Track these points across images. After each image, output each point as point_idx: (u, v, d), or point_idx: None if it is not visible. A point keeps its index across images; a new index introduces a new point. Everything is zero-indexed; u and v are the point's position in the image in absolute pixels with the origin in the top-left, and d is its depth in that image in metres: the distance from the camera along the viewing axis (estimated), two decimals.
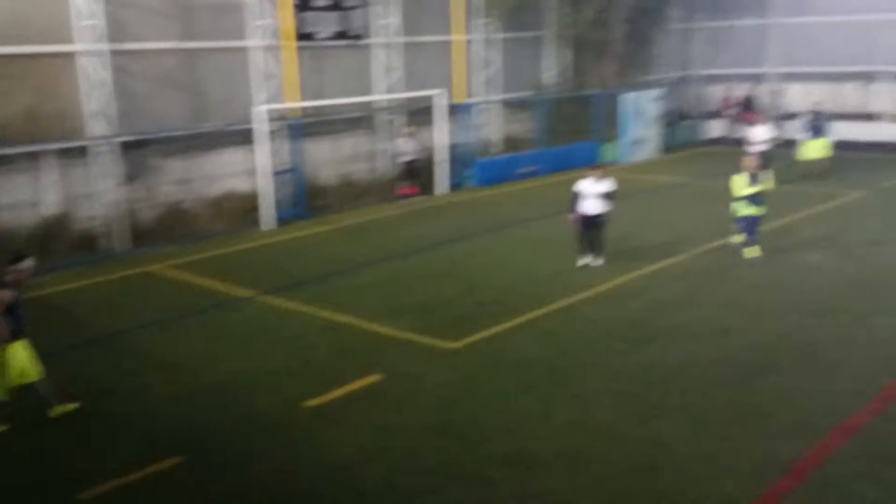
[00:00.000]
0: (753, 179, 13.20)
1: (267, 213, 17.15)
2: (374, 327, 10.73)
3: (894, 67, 25.64)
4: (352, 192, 19.78)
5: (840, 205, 17.18)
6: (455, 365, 9.44)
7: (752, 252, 13.17)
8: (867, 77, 26.23)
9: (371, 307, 11.55)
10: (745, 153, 18.83)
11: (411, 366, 9.42)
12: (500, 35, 23.46)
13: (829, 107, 22.04)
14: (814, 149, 20.13)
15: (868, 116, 25.32)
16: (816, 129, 20.18)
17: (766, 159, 18.48)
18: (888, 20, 25.39)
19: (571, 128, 23.90)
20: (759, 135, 19.14)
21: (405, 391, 8.74)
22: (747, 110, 27.07)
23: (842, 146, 21.13)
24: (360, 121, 20.50)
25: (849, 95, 25.94)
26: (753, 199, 13.13)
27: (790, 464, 6.90)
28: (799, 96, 27.24)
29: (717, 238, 14.53)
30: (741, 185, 13.28)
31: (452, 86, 22.10)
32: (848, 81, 26.43)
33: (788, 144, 20.78)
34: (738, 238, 13.50)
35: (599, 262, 13.02)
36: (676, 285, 12.10)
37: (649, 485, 6.70)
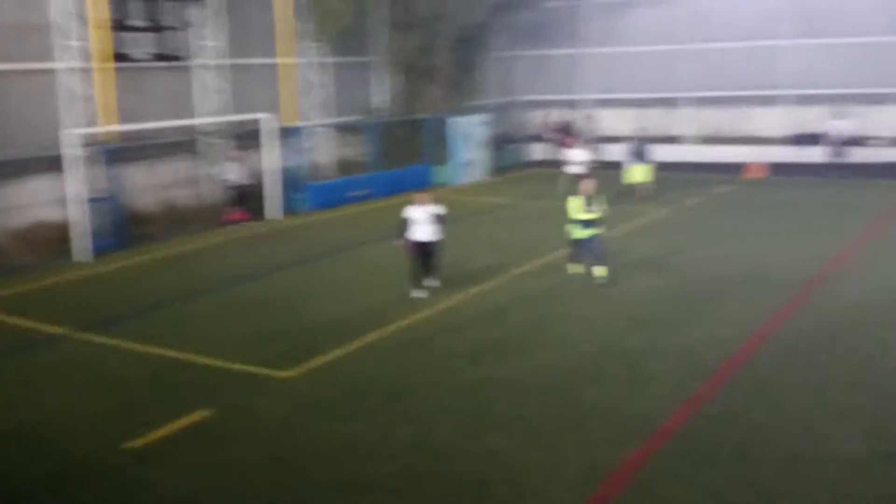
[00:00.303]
0: (589, 202, 13.26)
1: (81, 244, 16.04)
2: (202, 360, 10.27)
3: (693, 93, 28.05)
4: (176, 220, 18.94)
5: (648, 222, 18.45)
6: (290, 395, 9.20)
7: (600, 272, 13.21)
8: (669, 103, 28.52)
9: (198, 340, 11.05)
10: (564, 174, 20.03)
11: (243, 398, 9.09)
12: (330, 59, 23.43)
13: (636, 131, 23.67)
14: (638, 173, 21.10)
15: (671, 139, 27.47)
16: (639, 154, 21.23)
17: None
18: (686, 50, 27.78)
19: (404, 151, 24.25)
20: (577, 157, 20.20)
21: (237, 425, 8.41)
22: (566, 134, 28.66)
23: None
24: (184, 145, 19.72)
25: (654, 120, 28.04)
26: (588, 221, 13.21)
27: (613, 470, 7.26)
28: (611, 121, 29.21)
29: (544, 256, 15.18)
30: (577, 207, 13.31)
31: (282, 109, 21.78)
32: (653, 107, 28.61)
33: (609, 166, 22.14)
34: (577, 267, 13.64)
35: (435, 283, 12.87)
36: (508, 303, 12.49)
37: (481, 499, 6.83)
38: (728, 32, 26.94)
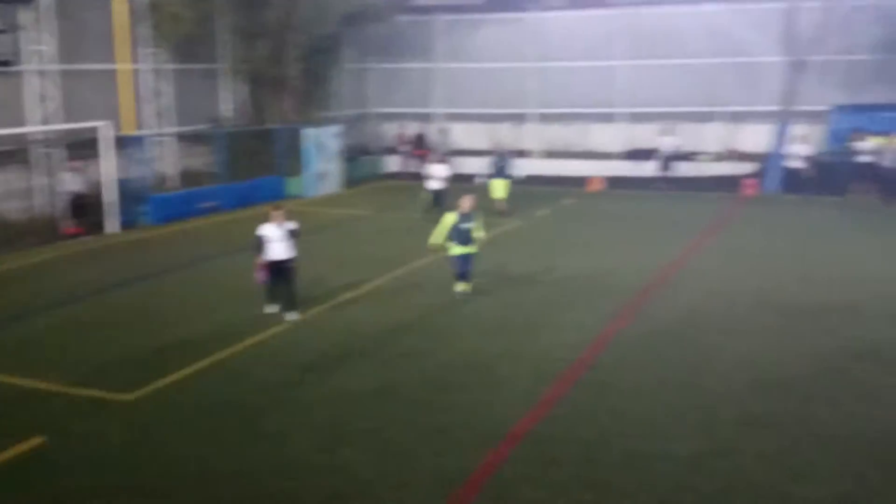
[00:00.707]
0: (465, 218, 13.01)
1: None
2: (35, 384, 9.55)
3: (538, 110, 29.21)
4: (5, 234, 17.55)
5: (499, 234, 18.99)
6: (133, 417, 8.73)
7: (463, 286, 13.21)
8: (518, 118, 29.56)
9: (30, 362, 10.28)
10: (425, 189, 20.15)
11: (82, 424, 8.53)
12: (171, 66, 22.54)
13: (486, 145, 24.27)
14: (498, 188, 21.37)
15: (521, 153, 28.45)
16: (500, 169, 21.47)
17: (443, 196, 19.83)
18: (532, 68, 28.91)
19: (254, 162, 23.67)
20: (437, 172, 20.20)
21: (75, 453, 7.88)
22: (419, 147, 29.07)
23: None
24: (13, 154, 18.31)
25: (503, 134, 28.96)
26: (464, 238, 13.00)
27: (467, 476, 7.39)
28: (463, 135, 29.91)
29: (400, 269, 15.27)
30: (451, 222, 13.06)
31: (120, 117, 20.71)
32: (502, 122, 29.55)
33: (461, 179, 22.55)
34: (462, 286, 13.36)
35: (295, 317, 12.09)
36: (365, 314, 12.46)
37: None
38: (570, 52, 28.28)
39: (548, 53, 28.65)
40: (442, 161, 21.01)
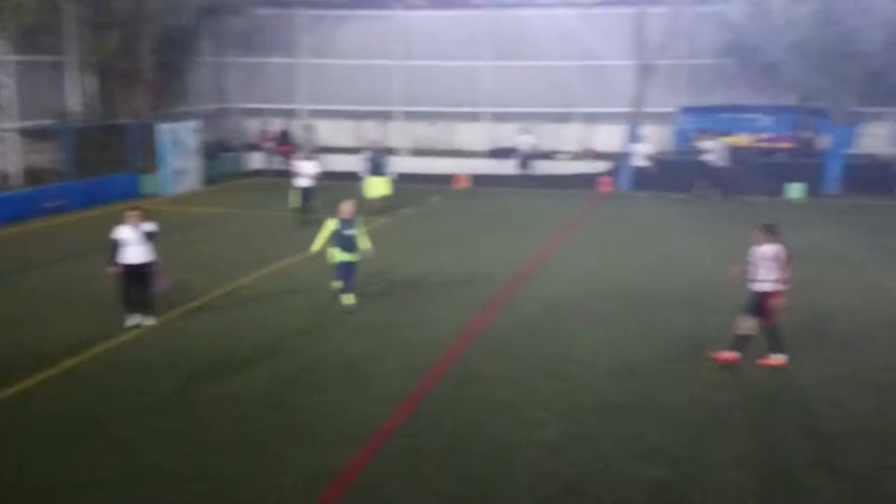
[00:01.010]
0: (347, 224, 12.36)
1: None
2: None
3: (405, 108, 29.36)
4: None
5: (368, 232, 18.91)
6: None
7: (348, 299, 12.40)
8: (384, 116, 29.58)
9: None
10: (294, 187, 19.68)
11: None
12: (14, 57, 21.02)
13: (353, 142, 24.12)
14: (375, 186, 21.06)
15: (389, 150, 28.44)
16: (376, 167, 21.22)
17: (311, 194, 19.45)
18: (398, 66, 29.00)
19: (105, 159, 22.44)
20: (306, 169, 19.64)
21: None
22: (284, 144, 28.52)
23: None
24: None
25: (370, 132, 28.91)
26: (346, 244, 12.34)
27: (335, 475, 7.34)
28: (329, 132, 29.62)
29: (264, 268, 14.93)
30: (331, 229, 12.38)
31: None
32: (369, 119, 29.49)
33: (342, 178, 22.25)
34: (336, 284, 12.81)
35: (151, 321, 11.56)
36: (228, 316, 12.09)
37: None
38: (435, 51, 28.58)
39: (414, 52, 28.84)
40: (309, 158, 20.52)
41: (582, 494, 7.10)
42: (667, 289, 13.80)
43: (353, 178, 22.29)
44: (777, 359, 10.06)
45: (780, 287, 9.89)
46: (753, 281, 9.99)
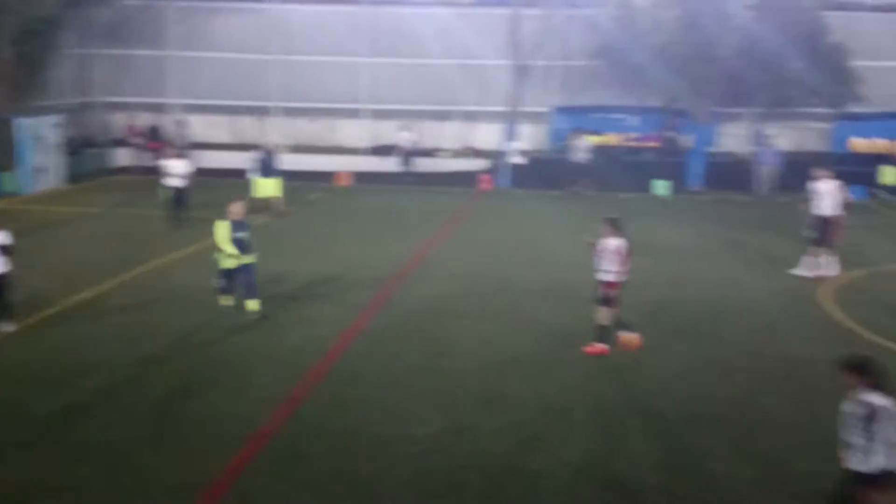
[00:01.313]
0: (239, 226, 11.60)
1: None
2: None
3: (283, 103, 28.83)
4: None
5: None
6: None
7: (253, 305, 11.70)
8: (261, 111, 28.94)
9: None
10: (164, 187, 18.87)
11: None
12: None
13: (229, 139, 23.38)
14: (265, 187, 20.41)
15: (256, 146, 27.86)
16: (267, 167, 20.55)
17: (184, 194, 18.68)
18: (275, 60, 28.43)
19: None
20: (176, 168, 18.77)
21: None
22: (153, 140, 27.38)
23: (236, 174, 22.47)
24: None
25: (247, 128, 28.22)
26: (239, 247, 11.51)
27: (212, 481, 7.14)
28: (203, 128, 28.68)
29: (135, 268, 14.31)
30: (225, 232, 11.51)
31: None
32: (245, 115, 28.76)
33: (205, 174, 21.52)
34: (228, 299, 11.83)
35: (10, 328, 10.84)
36: (95, 321, 11.52)
37: None
38: (314, 46, 28.19)
39: (292, 46, 28.32)
40: (180, 156, 19.64)
41: (463, 487, 7.21)
42: (543, 282, 14.20)
43: (228, 175, 21.72)
44: (599, 347, 10.52)
45: (620, 278, 10.38)
46: (598, 271, 10.46)
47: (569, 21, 26.52)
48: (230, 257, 11.50)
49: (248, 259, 11.65)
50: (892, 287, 14.31)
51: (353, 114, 29.06)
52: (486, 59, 27.41)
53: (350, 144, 28.91)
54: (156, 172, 20.67)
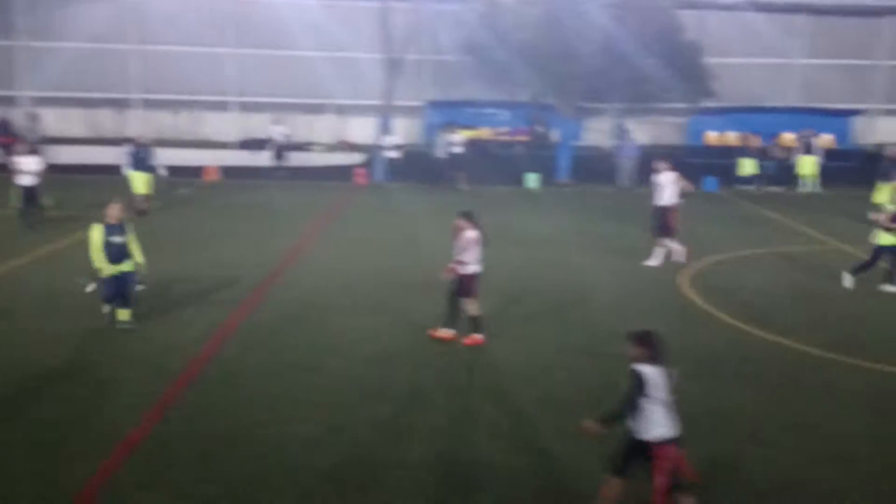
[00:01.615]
0: (115, 230, 10.80)
1: None
2: None
3: (145, 95, 27.62)
4: None
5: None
6: None
7: (124, 315, 10.93)
8: (121, 104, 27.61)
9: None
10: (15, 185, 17.59)
11: None
12: None
13: (86, 132, 22.17)
14: (139, 182, 19.58)
15: (128, 140, 26.62)
16: (139, 162, 19.66)
17: (36, 193, 17.50)
18: (135, 51, 27.18)
19: None
20: (29, 165, 17.51)
21: None
22: (3, 135, 25.61)
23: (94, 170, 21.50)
24: None
25: (106, 121, 26.86)
26: (116, 253, 10.75)
27: (78, 490, 6.81)
28: (58, 122, 27.07)
29: None
30: (98, 237, 10.68)
31: None
32: (104, 107, 27.36)
33: (59, 170, 20.30)
34: (105, 307, 11.05)
35: None
36: None
37: None
38: (176, 36, 27.14)
39: (151, 36, 27.15)
40: (32, 152, 18.39)
41: (342, 482, 7.20)
42: (418, 275, 14.31)
43: (86, 171, 20.63)
44: (445, 332, 10.79)
45: (477, 269, 10.66)
46: (459, 263, 10.70)
47: (438, 16, 26.79)
48: (102, 270, 10.75)
49: (124, 267, 10.86)
50: (744, 272, 15.35)
51: (220, 106, 28.25)
52: (358, 52, 27.32)
53: (218, 138, 28.08)
54: (6, 170, 19.35)
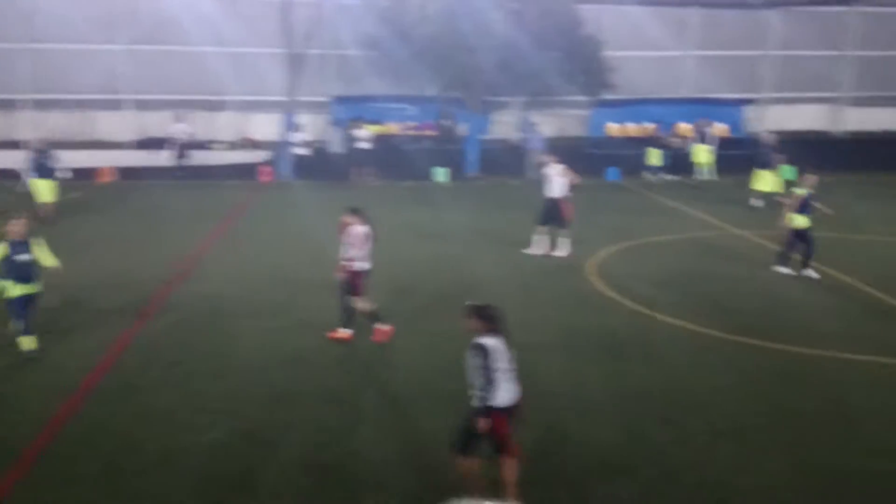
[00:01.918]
0: (19, 248, 9.99)
1: None
2: None
3: (32, 95, 26.24)
4: None
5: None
6: None
7: (29, 343, 9.98)
8: (7, 105, 26.18)
9: None
10: None
11: None
12: None
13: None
14: (42, 189, 18.52)
15: (15, 144, 25.27)
16: (41, 168, 18.63)
17: None
18: (22, 49, 25.76)
19: None
20: None
21: None
22: None
23: None
24: None
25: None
26: (22, 272, 9.95)
27: None
28: None
29: None
30: (2, 256, 9.89)
31: None
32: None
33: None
34: (16, 325, 10.10)
35: None
36: None
37: None
38: (63, 34, 25.88)
39: (39, 34, 25.80)
40: None
41: (254, 489, 7.01)
42: (324, 276, 14.06)
43: None
44: (343, 333, 10.76)
45: (365, 266, 10.66)
46: (347, 260, 10.65)
47: (340, 10, 26.44)
48: (6, 290, 9.95)
49: (31, 288, 10.05)
50: (647, 259, 15.78)
51: (114, 105, 27.09)
52: (259, 47, 26.69)
53: (112, 138, 26.94)
54: None
